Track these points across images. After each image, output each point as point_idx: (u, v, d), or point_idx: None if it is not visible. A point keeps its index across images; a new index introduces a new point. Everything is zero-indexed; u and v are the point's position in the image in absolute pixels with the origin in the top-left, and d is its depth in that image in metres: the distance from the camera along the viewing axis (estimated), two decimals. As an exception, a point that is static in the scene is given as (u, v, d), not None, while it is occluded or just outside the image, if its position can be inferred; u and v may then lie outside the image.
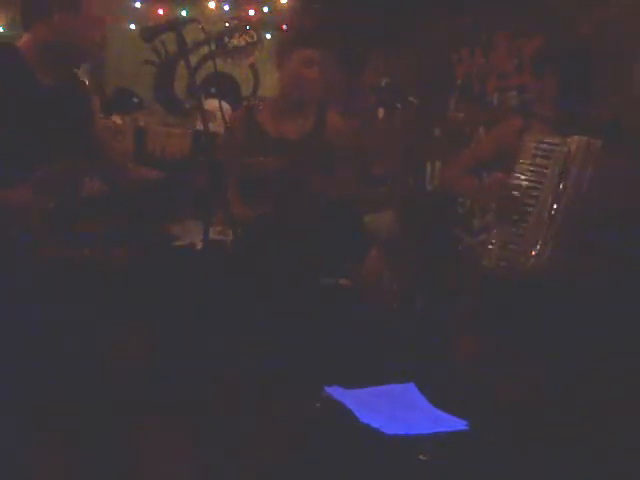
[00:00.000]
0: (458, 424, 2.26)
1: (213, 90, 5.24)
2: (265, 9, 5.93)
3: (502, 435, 2.25)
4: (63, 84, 2.54)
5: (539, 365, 3.02)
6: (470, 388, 2.88)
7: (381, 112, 4.99)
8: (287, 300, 2.90)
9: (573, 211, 3.05)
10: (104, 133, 2.74)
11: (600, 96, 3.30)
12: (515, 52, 4.75)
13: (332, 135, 3.19)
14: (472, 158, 3.40)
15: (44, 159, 2.38)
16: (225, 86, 5.89)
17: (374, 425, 2.19)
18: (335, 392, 2.37)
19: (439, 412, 2.35)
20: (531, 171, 3.09)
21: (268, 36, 5.76)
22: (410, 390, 2.47)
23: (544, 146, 3.08)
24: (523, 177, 3.10)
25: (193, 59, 4.82)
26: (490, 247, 3.19)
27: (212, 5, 5.96)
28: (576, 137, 3.04)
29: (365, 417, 2.23)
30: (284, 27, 5.32)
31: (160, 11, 5.86)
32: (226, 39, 5.83)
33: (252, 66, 6.01)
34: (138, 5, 5.95)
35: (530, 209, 3.09)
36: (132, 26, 5.73)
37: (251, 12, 5.92)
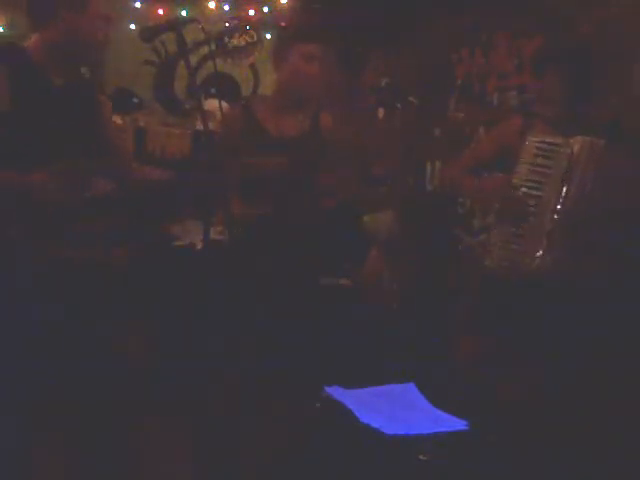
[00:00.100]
0: (458, 424, 2.26)
1: (213, 90, 5.24)
2: (265, 9, 5.92)
3: (502, 435, 2.25)
4: (72, 84, 2.54)
5: (539, 365, 3.02)
6: (470, 388, 2.88)
7: (381, 112, 4.99)
8: (287, 300, 2.90)
9: (577, 211, 3.04)
10: (112, 132, 2.73)
11: (600, 96, 3.30)
12: (515, 52, 4.75)
13: (325, 135, 3.18)
14: (472, 158, 3.39)
15: (53, 158, 2.38)
16: (225, 86, 5.89)
17: (374, 425, 2.18)
18: (335, 392, 2.37)
19: (439, 412, 2.35)
20: (532, 171, 3.09)
21: (268, 36, 5.75)
22: (410, 390, 2.47)
23: (545, 146, 3.08)
24: (524, 177, 3.10)
25: (193, 59, 4.82)
26: (492, 247, 3.19)
27: (212, 5, 5.95)
28: (579, 137, 3.04)
29: (365, 417, 2.22)
30: (283, 24, 5.32)
31: (160, 11, 5.86)
32: (226, 39, 5.83)
33: (252, 66, 6.01)
34: (138, 5, 5.95)
35: (532, 209, 3.09)
36: (132, 26, 5.73)
37: (251, 12, 5.92)
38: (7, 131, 2.35)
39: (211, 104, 3.87)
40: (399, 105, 4.77)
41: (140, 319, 2.70)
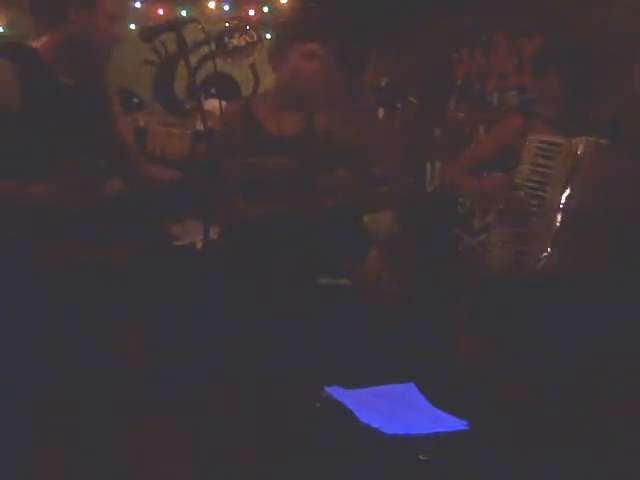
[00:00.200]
0: (458, 424, 2.26)
1: (213, 90, 5.24)
2: (265, 9, 5.92)
3: (502, 435, 2.25)
4: (83, 84, 2.54)
5: (539, 365, 3.02)
6: (470, 388, 2.88)
7: (381, 112, 4.98)
8: (287, 300, 2.90)
9: (582, 212, 3.04)
10: (123, 132, 2.73)
11: (600, 96, 3.30)
12: (515, 52, 4.74)
13: (323, 135, 3.17)
14: (472, 158, 3.39)
15: (65, 160, 2.39)
16: (225, 86, 5.88)
17: (374, 425, 2.18)
18: (335, 392, 2.37)
19: (439, 412, 2.35)
20: (534, 171, 3.09)
21: (268, 36, 5.75)
22: (410, 390, 2.47)
23: (547, 146, 3.08)
24: (526, 177, 3.09)
25: (193, 59, 4.81)
26: (494, 247, 3.18)
27: (212, 5, 5.95)
28: (583, 137, 3.04)
29: (365, 417, 2.23)
30: (282, 22, 5.31)
31: (160, 11, 5.86)
32: (226, 39, 5.82)
33: (252, 66, 6.00)
34: (138, 5, 5.95)
35: (535, 209, 3.08)
36: (132, 26, 5.73)
37: (251, 12, 5.91)
38: (18, 132, 2.35)
39: (211, 104, 3.87)
40: (399, 105, 4.76)
41: (140, 319, 2.69)
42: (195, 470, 3.00)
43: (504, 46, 4.84)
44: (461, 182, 3.35)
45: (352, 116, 4.91)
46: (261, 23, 5.80)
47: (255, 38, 5.78)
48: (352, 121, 4.56)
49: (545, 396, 2.95)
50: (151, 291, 2.85)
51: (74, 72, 2.51)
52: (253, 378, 2.80)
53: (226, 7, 5.98)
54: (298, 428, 2.81)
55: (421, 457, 2.10)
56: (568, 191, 3.04)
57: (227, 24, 5.88)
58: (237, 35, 5.86)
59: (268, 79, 3.25)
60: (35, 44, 2.52)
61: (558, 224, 3.05)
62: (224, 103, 3.15)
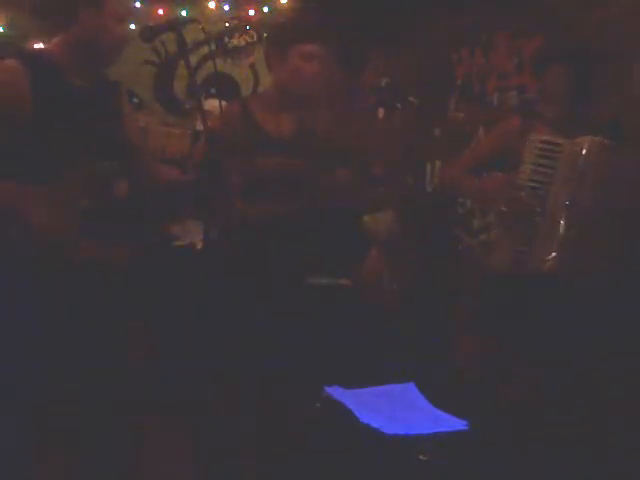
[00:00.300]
0: (458, 424, 2.26)
1: (213, 90, 5.24)
2: (265, 9, 5.92)
3: (502, 435, 2.25)
4: (95, 85, 2.55)
5: (543, 365, 3.02)
6: (470, 388, 2.87)
7: (381, 112, 4.98)
8: (287, 300, 2.90)
9: (589, 212, 3.03)
10: (134, 132, 2.73)
11: (600, 96, 3.30)
12: (515, 52, 4.75)
13: (321, 136, 3.16)
14: (472, 158, 3.39)
15: (77, 160, 2.39)
16: (225, 86, 5.89)
17: (374, 425, 2.18)
18: (335, 392, 2.37)
19: (439, 412, 2.35)
20: (535, 171, 3.08)
21: (268, 36, 5.75)
22: (410, 390, 2.47)
23: (547, 146, 3.07)
24: (528, 177, 3.08)
25: (193, 59, 4.81)
26: (497, 248, 3.17)
27: (212, 5, 5.95)
28: (587, 137, 3.03)
29: (365, 417, 2.22)
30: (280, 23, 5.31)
31: (160, 11, 5.86)
32: (226, 39, 5.82)
33: (252, 66, 6.01)
34: (138, 5, 5.95)
35: (538, 210, 3.07)
36: (132, 26, 5.73)
37: (251, 12, 5.91)
38: (30, 134, 2.36)
39: (211, 104, 3.87)
40: (399, 105, 4.77)
41: (140, 319, 2.70)
42: (195, 470, 3.00)
43: (504, 46, 4.84)
44: (461, 182, 3.35)
45: (352, 116, 4.91)
46: (261, 23, 5.80)
47: (255, 38, 5.78)
48: (352, 121, 4.57)
49: (545, 396, 2.95)
50: (151, 291, 2.86)
51: (85, 73, 2.52)
52: (253, 378, 2.80)
53: (226, 7, 5.98)
54: (298, 428, 2.81)
55: (421, 457, 2.10)
56: (573, 192, 3.03)
57: (227, 24, 5.88)
58: (237, 35, 5.86)
59: (268, 79, 3.24)
60: (45, 46, 2.53)
61: (563, 225, 3.04)
62: (224, 103, 3.15)
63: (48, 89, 2.42)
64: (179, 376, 3.33)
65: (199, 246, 3.61)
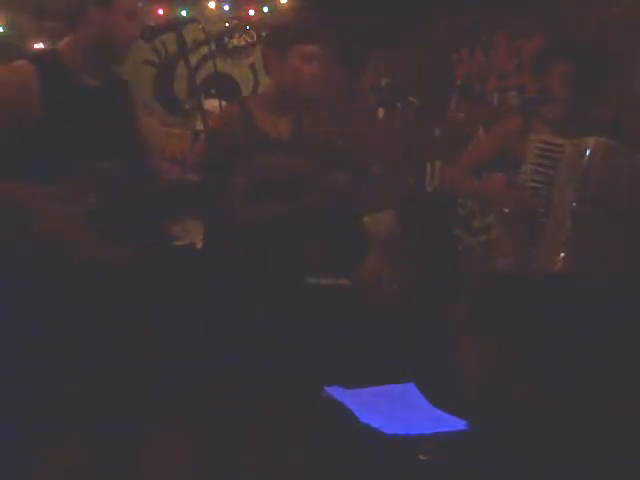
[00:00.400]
0: (458, 424, 2.26)
1: (213, 90, 5.24)
2: (265, 9, 5.92)
3: (502, 435, 2.25)
4: (106, 84, 2.55)
5: (539, 365, 3.02)
6: (470, 388, 2.88)
7: (381, 112, 4.98)
8: (287, 300, 2.90)
9: (596, 212, 3.02)
10: (144, 131, 2.73)
11: (600, 96, 3.30)
12: (515, 52, 4.75)
13: (320, 136, 3.15)
14: (472, 159, 3.38)
15: (87, 160, 2.39)
16: (225, 86, 5.88)
17: (374, 425, 2.18)
18: (335, 392, 2.37)
19: (439, 412, 2.35)
20: (536, 171, 3.07)
21: (268, 36, 5.74)
22: (410, 390, 2.47)
23: (548, 146, 3.07)
24: (528, 178, 3.08)
25: (193, 59, 4.82)
26: (502, 249, 3.16)
27: (212, 5, 5.94)
28: (592, 137, 3.03)
29: (365, 417, 2.23)
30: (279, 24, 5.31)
31: (160, 11, 5.86)
32: (226, 39, 5.82)
33: (252, 66, 6.00)
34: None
35: (543, 210, 3.06)
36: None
37: (251, 12, 5.91)
38: (41, 133, 2.36)
39: (211, 104, 3.87)
40: (399, 105, 4.76)
41: (140, 319, 2.69)
42: (195, 470, 3.00)
43: (504, 46, 4.84)
44: (461, 183, 3.35)
45: (352, 116, 4.91)
46: (261, 23, 5.80)
47: (255, 38, 5.78)
48: (352, 121, 4.57)
49: (545, 396, 2.95)
50: (151, 291, 2.85)
51: (96, 72, 2.52)
52: (253, 378, 2.80)
53: (226, 7, 5.98)
54: (298, 428, 2.81)
55: (421, 457, 2.10)
56: (579, 192, 3.03)
57: (227, 24, 5.88)
58: (237, 35, 5.86)
59: (268, 79, 3.23)
60: (55, 46, 2.53)
61: (571, 225, 3.03)
62: (224, 103, 3.14)
63: (58, 89, 2.42)
64: (179, 376, 3.33)
65: (199, 246, 3.60)
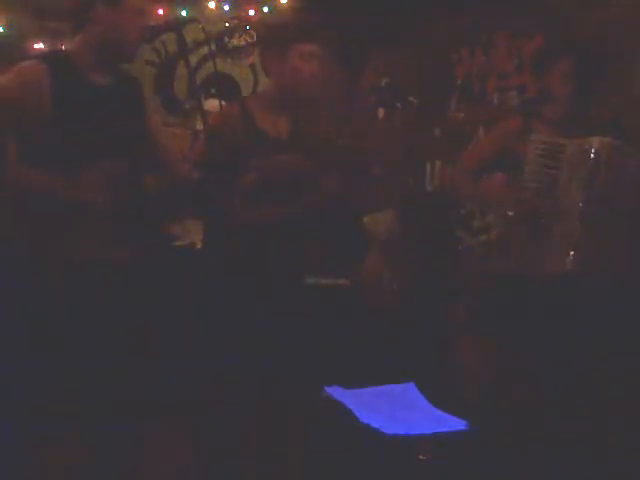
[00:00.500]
0: (458, 424, 2.26)
1: (213, 90, 5.24)
2: (265, 9, 5.92)
3: (502, 435, 2.25)
4: (117, 83, 2.55)
5: (539, 365, 3.02)
6: (470, 388, 2.88)
7: (381, 112, 4.98)
8: (287, 300, 2.90)
9: (603, 212, 3.02)
10: (156, 130, 2.74)
11: (600, 96, 3.30)
12: (515, 52, 4.75)
13: (320, 136, 3.15)
14: (472, 160, 3.37)
15: (101, 158, 2.40)
16: (225, 86, 5.88)
17: (374, 425, 2.18)
18: (335, 392, 2.37)
19: (439, 412, 2.35)
20: (538, 172, 3.07)
21: (268, 36, 5.74)
22: (410, 390, 2.47)
23: (550, 147, 3.06)
24: (529, 178, 3.07)
25: (193, 59, 4.82)
26: (507, 251, 3.16)
27: (212, 5, 5.94)
28: (596, 138, 3.02)
29: (365, 417, 2.22)
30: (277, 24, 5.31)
31: (160, 11, 5.86)
32: (226, 39, 5.83)
33: (252, 66, 6.00)
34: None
35: (545, 210, 3.05)
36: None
37: (251, 12, 5.91)
38: (53, 133, 2.36)
39: (211, 104, 3.87)
40: (399, 105, 4.76)
41: (140, 319, 2.69)
42: (195, 470, 3.00)
43: (504, 46, 4.84)
44: (462, 185, 3.34)
45: (352, 116, 4.91)
46: (261, 23, 5.80)
47: (255, 38, 5.78)
48: (352, 121, 4.57)
49: (545, 396, 2.95)
50: (151, 291, 2.86)
51: (106, 70, 2.52)
52: (253, 378, 2.80)
53: (226, 7, 5.97)
54: (298, 428, 2.81)
55: (421, 457, 2.10)
56: (586, 192, 3.02)
57: (227, 24, 5.88)
58: (237, 35, 5.86)
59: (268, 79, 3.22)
60: (66, 47, 2.54)
61: (579, 226, 3.02)
62: (224, 103, 3.14)
63: (69, 88, 2.43)
64: (179, 376, 3.33)
65: (199, 246, 3.60)
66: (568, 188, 3.04)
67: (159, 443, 3.09)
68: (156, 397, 2.95)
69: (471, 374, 3.33)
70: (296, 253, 2.97)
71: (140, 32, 2.53)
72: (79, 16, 2.53)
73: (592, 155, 3.01)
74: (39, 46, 5.58)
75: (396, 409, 2.33)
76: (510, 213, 3.11)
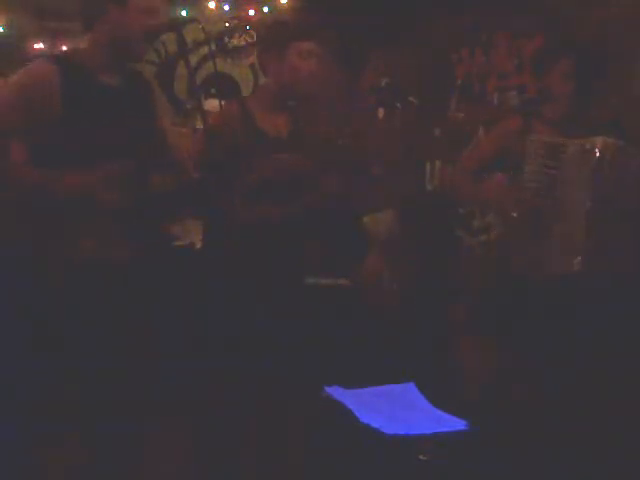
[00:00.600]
0: (458, 424, 2.26)
1: (213, 90, 5.24)
2: (265, 9, 5.92)
3: (502, 435, 2.25)
4: (127, 82, 2.55)
5: (539, 365, 3.02)
6: (470, 388, 2.88)
7: (381, 112, 4.98)
8: (287, 300, 2.90)
9: (609, 212, 3.02)
10: (166, 129, 2.74)
11: (600, 96, 3.30)
12: (515, 52, 4.75)
13: (320, 136, 3.15)
14: (472, 160, 3.37)
15: (111, 157, 2.40)
16: (225, 86, 5.88)
17: (374, 425, 2.18)
18: (335, 392, 2.37)
19: (439, 412, 2.35)
20: (538, 172, 3.06)
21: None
22: (410, 390, 2.47)
23: (550, 147, 3.06)
24: (530, 178, 3.07)
25: (193, 59, 4.82)
26: (508, 250, 3.15)
27: (212, 5, 5.94)
28: (599, 138, 3.02)
29: (365, 417, 2.22)
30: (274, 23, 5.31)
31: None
32: (226, 39, 5.83)
33: (252, 66, 6.01)
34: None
35: (546, 211, 3.05)
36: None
37: (251, 12, 5.91)
38: (63, 134, 2.37)
39: (211, 104, 3.87)
40: (399, 105, 4.76)
41: (140, 319, 2.69)
42: (195, 470, 3.00)
43: (504, 46, 4.85)
44: (462, 186, 3.34)
45: (352, 116, 4.91)
46: (261, 23, 5.80)
47: (255, 38, 5.78)
48: (352, 121, 4.57)
49: (545, 396, 2.95)
50: (151, 291, 2.86)
51: (116, 70, 2.53)
52: (253, 378, 2.80)
53: (226, 7, 5.98)
54: (298, 428, 2.81)
55: (421, 457, 2.10)
56: (591, 192, 3.02)
57: (227, 24, 5.89)
58: (237, 35, 5.86)
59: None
60: (75, 47, 2.54)
61: (580, 226, 3.02)
62: (224, 103, 3.14)
63: (79, 88, 2.43)
64: (179, 376, 3.33)
65: (199, 246, 3.61)
66: (569, 188, 3.04)
67: (159, 443, 3.09)
68: (156, 397, 2.94)
69: (471, 374, 3.33)
70: (296, 253, 2.97)
71: (151, 30, 2.53)
72: (88, 15, 2.53)
73: (596, 155, 3.01)
74: (39, 46, 5.59)
75: (396, 409, 2.33)
76: (514, 214, 3.10)
